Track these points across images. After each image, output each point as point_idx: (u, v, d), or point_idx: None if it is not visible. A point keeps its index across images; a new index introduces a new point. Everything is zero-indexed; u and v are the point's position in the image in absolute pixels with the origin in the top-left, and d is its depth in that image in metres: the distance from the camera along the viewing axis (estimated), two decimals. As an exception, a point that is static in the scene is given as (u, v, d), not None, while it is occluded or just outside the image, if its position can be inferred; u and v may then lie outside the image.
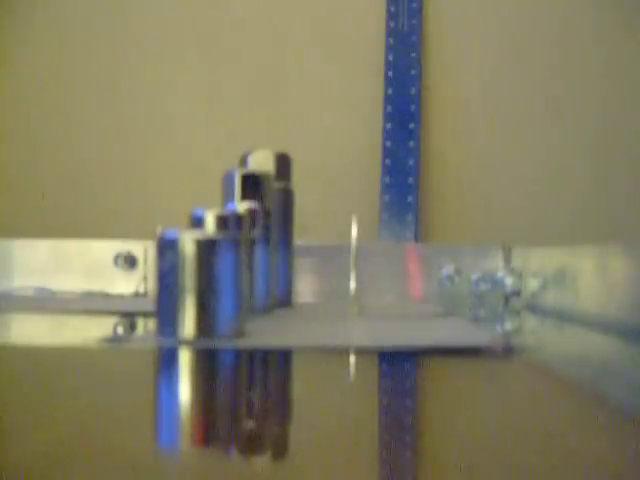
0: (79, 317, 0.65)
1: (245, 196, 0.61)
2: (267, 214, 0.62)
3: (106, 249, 0.93)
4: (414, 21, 1.03)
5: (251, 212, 0.59)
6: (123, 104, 1.07)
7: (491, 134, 1.03)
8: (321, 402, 0.33)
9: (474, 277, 0.89)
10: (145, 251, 0.92)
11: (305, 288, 0.88)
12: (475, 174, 1.03)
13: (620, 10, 1.02)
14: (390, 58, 1.03)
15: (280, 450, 0.26)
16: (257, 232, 0.60)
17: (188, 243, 0.44)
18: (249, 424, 0.29)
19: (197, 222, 0.50)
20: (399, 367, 0.43)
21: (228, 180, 0.62)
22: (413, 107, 1.01)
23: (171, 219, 0.58)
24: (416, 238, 0.99)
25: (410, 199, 1.00)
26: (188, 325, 0.44)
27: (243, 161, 0.68)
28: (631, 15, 1.02)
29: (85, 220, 1.05)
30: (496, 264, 0.88)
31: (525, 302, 0.79)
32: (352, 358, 0.45)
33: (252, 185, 0.62)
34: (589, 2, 1.03)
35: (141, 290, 0.91)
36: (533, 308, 0.75)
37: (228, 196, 0.62)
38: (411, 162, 1.00)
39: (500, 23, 1.04)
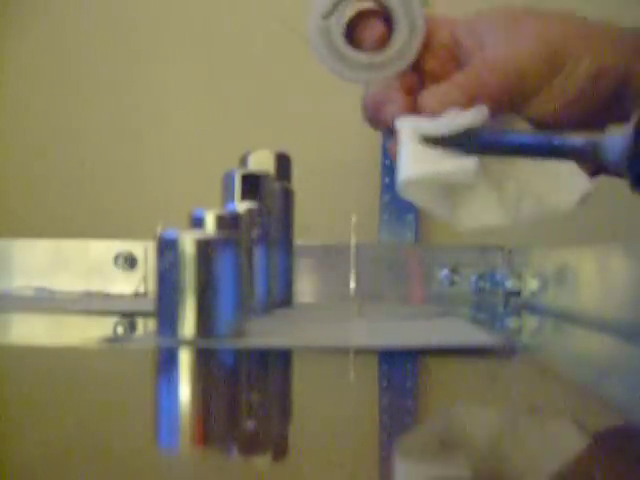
0: (79, 317, 0.65)
1: (245, 196, 0.61)
2: (267, 214, 0.62)
3: (106, 249, 0.93)
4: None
5: (251, 212, 0.59)
6: (123, 105, 1.07)
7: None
8: (321, 402, 0.33)
9: (474, 277, 0.89)
10: (145, 251, 0.92)
11: (305, 288, 0.88)
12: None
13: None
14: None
15: (280, 450, 0.26)
16: (257, 232, 0.60)
17: (188, 243, 0.44)
18: (249, 424, 0.29)
19: (197, 222, 0.50)
20: (399, 367, 0.43)
21: (228, 180, 0.62)
22: (413, 107, 1.01)
23: (171, 219, 0.58)
24: (416, 238, 0.99)
25: (410, 199, 0.99)
26: (188, 325, 0.44)
27: (243, 161, 0.68)
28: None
29: (85, 220, 1.05)
30: (496, 264, 0.88)
31: (525, 302, 0.79)
32: (352, 358, 0.45)
33: (252, 185, 0.62)
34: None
35: (141, 290, 0.91)
36: (533, 308, 0.75)
37: (228, 196, 0.62)
38: (411, 162, 1.00)
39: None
